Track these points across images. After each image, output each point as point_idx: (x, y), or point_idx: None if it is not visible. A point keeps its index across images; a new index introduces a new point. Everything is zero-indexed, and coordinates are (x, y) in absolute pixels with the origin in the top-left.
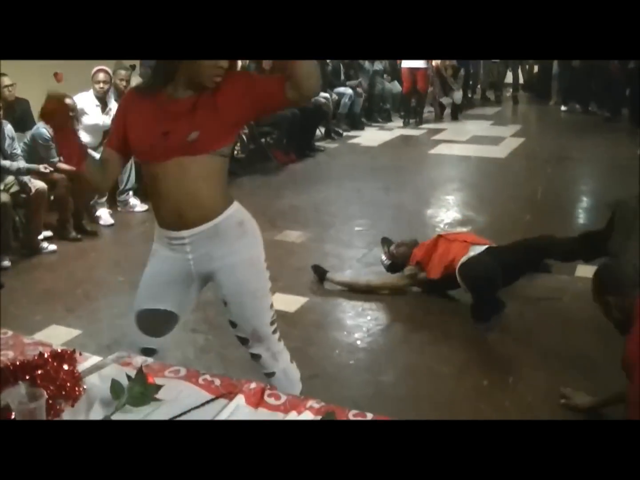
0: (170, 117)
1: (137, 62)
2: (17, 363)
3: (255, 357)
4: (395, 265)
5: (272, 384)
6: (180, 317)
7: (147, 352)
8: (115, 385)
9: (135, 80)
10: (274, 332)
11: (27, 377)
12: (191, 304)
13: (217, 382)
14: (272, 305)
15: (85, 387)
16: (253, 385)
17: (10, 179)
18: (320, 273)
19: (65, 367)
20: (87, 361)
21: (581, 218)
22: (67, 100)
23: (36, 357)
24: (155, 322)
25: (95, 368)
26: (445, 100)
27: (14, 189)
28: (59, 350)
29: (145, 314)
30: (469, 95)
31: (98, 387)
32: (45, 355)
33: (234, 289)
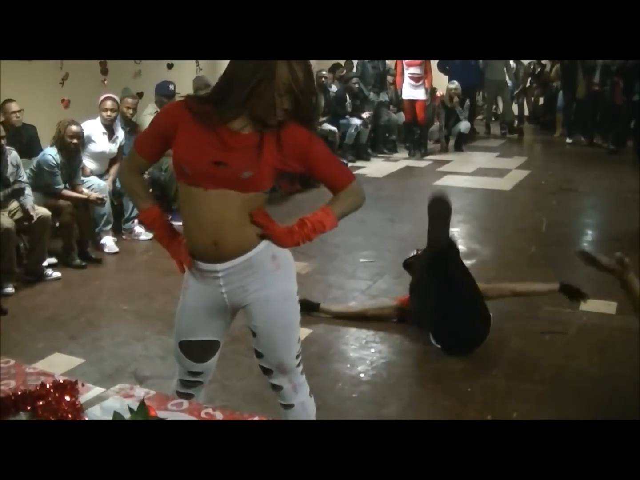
0: (227, 148)
1: (143, 90)
2: (19, 393)
3: (277, 388)
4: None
5: (288, 416)
6: (221, 341)
7: (194, 374)
8: (117, 418)
9: (152, 107)
10: (299, 365)
11: (29, 408)
12: (227, 329)
13: (220, 415)
14: (299, 339)
15: (86, 418)
16: (256, 418)
17: (14, 204)
18: (310, 308)
19: (67, 398)
20: (89, 392)
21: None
22: (75, 127)
23: (38, 388)
24: (197, 350)
25: (97, 399)
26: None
27: (18, 215)
28: (61, 381)
29: (186, 344)
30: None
31: (99, 419)
32: (47, 386)
33: (265, 322)
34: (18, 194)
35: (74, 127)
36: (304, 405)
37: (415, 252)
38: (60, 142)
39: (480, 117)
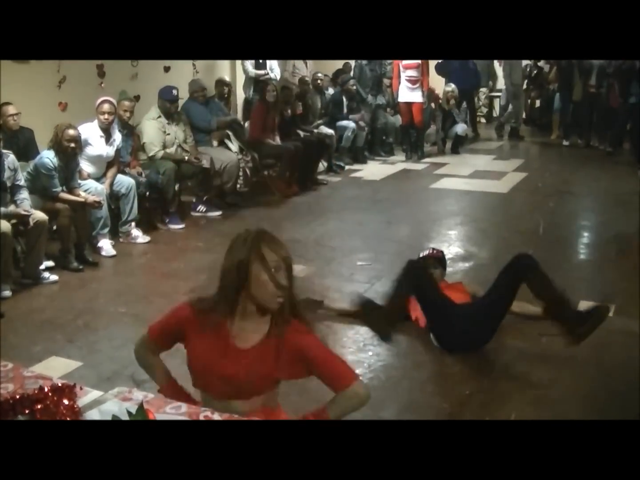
0: (232, 360)
1: (140, 93)
2: (17, 396)
3: None
4: None
5: None
6: None
7: None
8: None
9: (155, 111)
10: None
11: (27, 411)
12: None
13: (218, 418)
14: None
15: None
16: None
17: (11, 207)
18: (314, 305)
19: (65, 401)
20: (87, 395)
21: (583, 253)
22: (72, 131)
23: (36, 391)
24: None
25: (96, 403)
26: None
27: (15, 219)
28: (59, 384)
29: None
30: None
31: None
32: (45, 389)
33: None
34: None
35: (71, 131)
36: None
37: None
38: (57, 145)
39: (479, 119)
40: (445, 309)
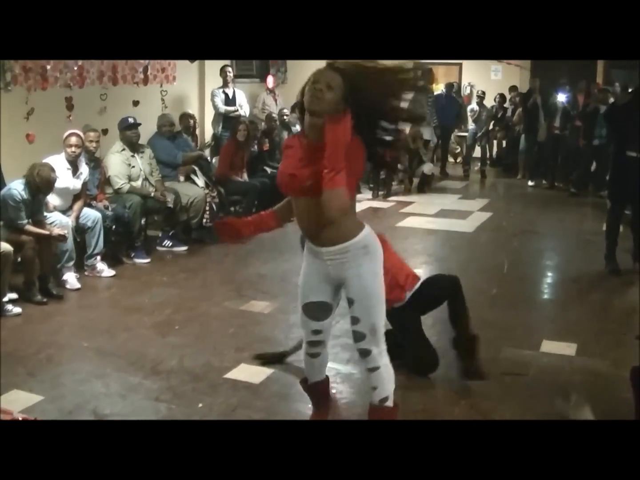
0: (299, 160)
1: (108, 127)
2: None
3: (366, 352)
4: None
5: (373, 379)
6: (334, 306)
7: (316, 332)
8: None
9: (119, 145)
10: (382, 335)
11: None
12: (336, 295)
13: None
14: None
15: None
16: None
17: None
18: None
19: None
20: None
21: (546, 292)
22: (54, 174)
23: None
24: (315, 309)
25: None
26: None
27: None
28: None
29: (306, 306)
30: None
31: None
32: None
33: (360, 291)
34: None
35: (53, 175)
36: (387, 368)
37: None
38: (36, 185)
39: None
40: None
